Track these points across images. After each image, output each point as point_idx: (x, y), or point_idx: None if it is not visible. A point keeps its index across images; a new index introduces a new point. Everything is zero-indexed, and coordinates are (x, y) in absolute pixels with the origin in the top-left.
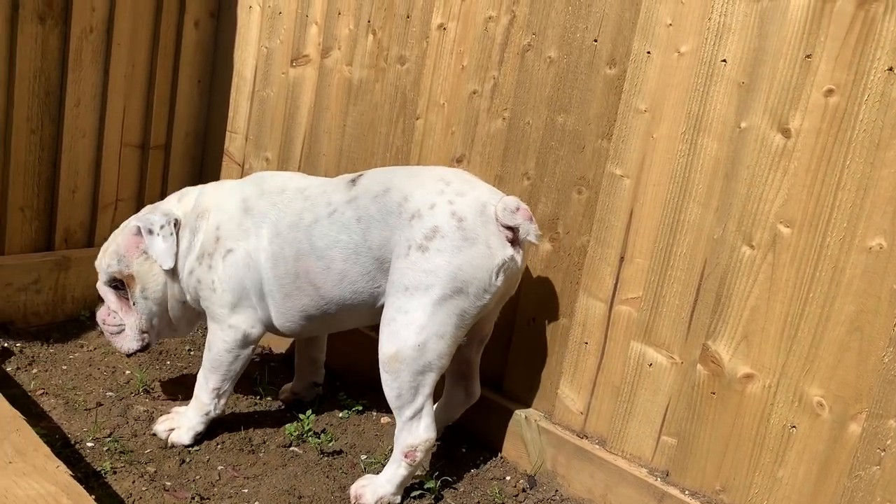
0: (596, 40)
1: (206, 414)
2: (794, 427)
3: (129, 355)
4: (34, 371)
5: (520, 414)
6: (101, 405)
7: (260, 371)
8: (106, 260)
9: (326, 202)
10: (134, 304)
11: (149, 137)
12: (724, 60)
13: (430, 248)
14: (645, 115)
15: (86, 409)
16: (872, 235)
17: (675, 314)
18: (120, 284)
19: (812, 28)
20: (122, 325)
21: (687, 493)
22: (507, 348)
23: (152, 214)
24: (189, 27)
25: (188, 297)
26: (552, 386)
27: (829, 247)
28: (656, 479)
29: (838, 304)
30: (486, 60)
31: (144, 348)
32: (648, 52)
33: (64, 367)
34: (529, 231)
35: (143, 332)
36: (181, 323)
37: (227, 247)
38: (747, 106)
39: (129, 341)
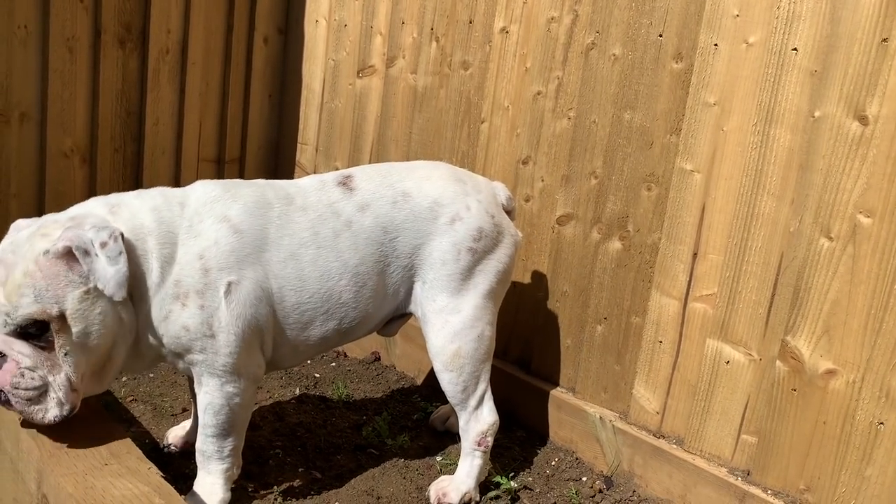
0: (661, 35)
1: (230, 477)
2: (881, 423)
3: (53, 423)
4: (123, 379)
5: (594, 414)
6: (185, 411)
7: (336, 376)
8: (13, 300)
9: (332, 212)
10: (65, 354)
11: (224, 152)
12: (795, 49)
13: (478, 249)
14: (714, 108)
15: (172, 415)
16: None
17: (751, 310)
18: (37, 330)
19: (889, 11)
20: (43, 386)
21: (769, 492)
22: (579, 350)
23: (82, 230)
24: (259, 44)
25: (162, 347)
26: (626, 386)
27: None
28: (737, 479)
29: None
30: (549, 61)
31: (72, 412)
32: (716, 45)
33: (151, 376)
34: (511, 209)
35: (74, 391)
36: (130, 369)
37: (225, 280)
38: (821, 94)
39: (54, 407)
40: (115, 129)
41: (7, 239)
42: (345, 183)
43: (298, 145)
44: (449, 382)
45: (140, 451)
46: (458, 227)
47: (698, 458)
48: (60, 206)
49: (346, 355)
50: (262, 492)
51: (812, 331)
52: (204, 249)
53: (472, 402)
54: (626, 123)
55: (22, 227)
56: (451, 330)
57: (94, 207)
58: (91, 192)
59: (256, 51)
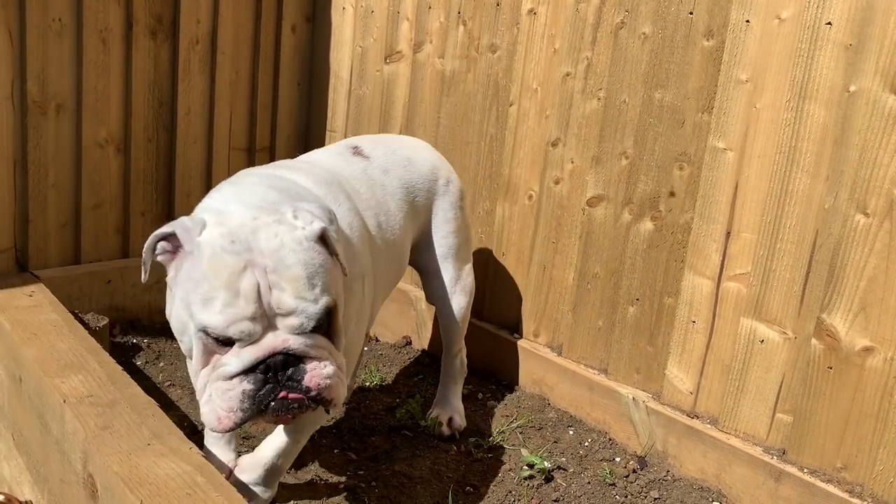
0: (691, 13)
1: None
2: None
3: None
4: (161, 364)
5: (628, 395)
6: None
7: (368, 360)
8: (306, 295)
9: (368, 177)
10: (338, 338)
11: (254, 141)
12: (829, 23)
13: (464, 206)
14: (746, 85)
15: None
16: None
17: (786, 288)
18: (324, 321)
19: None
20: (337, 376)
21: (806, 471)
22: (611, 331)
23: (318, 213)
24: (287, 32)
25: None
26: (659, 366)
27: None
28: (772, 458)
29: None
30: (578, 41)
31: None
32: (747, 21)
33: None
34: None
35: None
36: None
37: (362, 261)
38: (856, 68)
39: (343, 388)
40: (147, 119)
41: (217, 242)
42: (358, 152)
43: (327, 133)
44: (460, 331)
45: (181, 433)
46: (452, 188)
47: (733, 438)
48: (96, 197)
49: (377, 340)
50: (297, 472)
51: (848, 308)
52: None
53: (463, 339)
54: (656, 103)
55: (210, 224)
56: (464, 284)
57: (291, 185)
58: (126, 181)
59: (284, 39)
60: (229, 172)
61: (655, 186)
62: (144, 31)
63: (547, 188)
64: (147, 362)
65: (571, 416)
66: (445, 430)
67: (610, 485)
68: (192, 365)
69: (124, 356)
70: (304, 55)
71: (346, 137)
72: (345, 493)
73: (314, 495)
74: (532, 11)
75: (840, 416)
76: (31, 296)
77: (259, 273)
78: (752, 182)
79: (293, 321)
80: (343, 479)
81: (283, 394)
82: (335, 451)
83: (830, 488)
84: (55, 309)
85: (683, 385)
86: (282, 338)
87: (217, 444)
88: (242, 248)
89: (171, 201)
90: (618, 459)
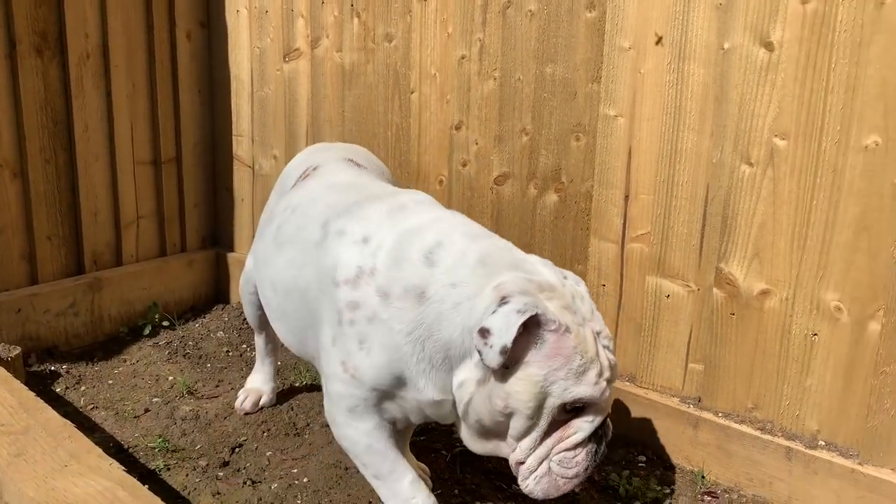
0: None
1: None
2: (815, 335)
3: None
4: (82, 389)
5: None
6: (148, 411)
7: (297, 362)
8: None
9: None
10: None
11: (159, 153)
12: None
13: None
14: (630, 52)
15: (135, 417)
16: (867, 134)
17: (685, 243)
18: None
19: None
20: None
21: (720, 415)
22: None
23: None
24: (182, 40)
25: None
26: None
27: (826, 152)
28: (689, 407)
29: (843, 207)
30: (469, 24)
31: None
32: None
33: (110, 382)
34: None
35: None
36: None
37: None
38: (728, 26)
39: None
40: (43, 140)
41: (567, 317)
42: (356, 164)
43: (234, 137)
44: None
45: (100, 450)
46: None
47: (651, 392)
48: None
49: None
50: (231, 479)
51: (743, 255)
52: None
53: None
54: (548, 77)
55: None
56: None
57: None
58: (27, 205)
59: (180, 47)
60: (137, 187)
61: (556, 159)
62: (29, 49)
63: (456, 171)
64: (67, 388)
65: None
66: None
67: None
68: (522, 443)
69: (42, 384)
70: (203, 61)
71: (252, 141)
72: (278, 492)
73: (249, 497)
74: None
75: (746, 358)
76: None
77: (598, 339)
78: (644, 145)
79: (613, 377)
80: (275, 482)
81: (604, 444)
82: (268, 453)
83: (744, 428)
84: None
85: None
86: (609, 393)
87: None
88: (580, 316)
89: (78, 222)
90: None
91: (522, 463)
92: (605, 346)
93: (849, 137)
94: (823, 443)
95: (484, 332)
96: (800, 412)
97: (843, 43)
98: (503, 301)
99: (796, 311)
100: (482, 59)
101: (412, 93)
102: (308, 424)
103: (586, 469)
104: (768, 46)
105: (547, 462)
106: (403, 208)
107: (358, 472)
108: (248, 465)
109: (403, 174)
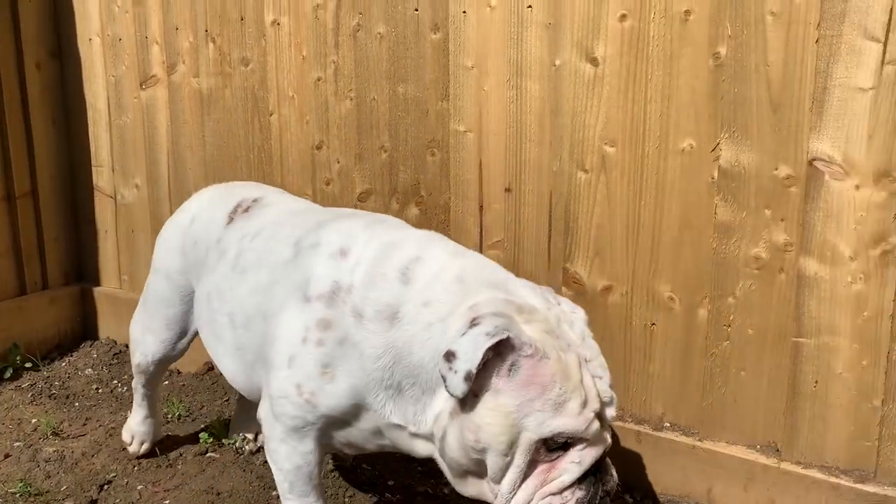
0: (417, 9)
1: None
2: (654, 324)
3: None
4: None
5: None
6: (9, 456)
7: (168, 393)
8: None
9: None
10: None
11: (12, 187)
12: (530, 6)
13: None
14: (473, 70)
15: None
16: (683, 138)
17: (534, 247)
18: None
19: None
20: None
21: None
22: None
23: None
24: (31, 70)
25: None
26: None
27: (650, 156)
28: None
29: (667, 206)
30: (323, 47)
31: None
32: (464, 12)
33: None
34: None
35: None
36: None
37: None
38: (557, 44)
39: None
40: None
41: (548, 341)
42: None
43: (93, 168)
44: None
45: None
46: None
47: None
48: None
49: (179, 372)
50: None
51: (586, 255)
52: None
53: None
54: (401, 96)
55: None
56: None
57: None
58: None
59: (30, 78)
60: None
61: (414, 174)
62: None
63: (320, 190)
64: None
65: None
66: (252, 445)
67: None
68: (502, 485)
69: None
70: (56, 91)
71: (112, 170)
72: None
73: None
74: (275, 22)
75: None
76: None
77: (584, 367)
78: (493, 157)
79: (612, 411)
80: None
81: (603, 493)
82: (139, 486)
83: None
84: None
85: None
86: (606, 433)
87: None
88: (564, 342)
89: None
90: None
91: None
92: (596, 376)
93: (668, 142)
94: (668, 424)
95: (449, 356)
96: (646, 397)
97: (657, 56)
98: (473, 323)
99: (635, 303)
100: (337, 81)
101: (271, 115)
102: (181, 455)
103: None
104: (593, 62)
105: None
106: (384, 221)
107: (230, 496)
108: (117, 501)
109: None
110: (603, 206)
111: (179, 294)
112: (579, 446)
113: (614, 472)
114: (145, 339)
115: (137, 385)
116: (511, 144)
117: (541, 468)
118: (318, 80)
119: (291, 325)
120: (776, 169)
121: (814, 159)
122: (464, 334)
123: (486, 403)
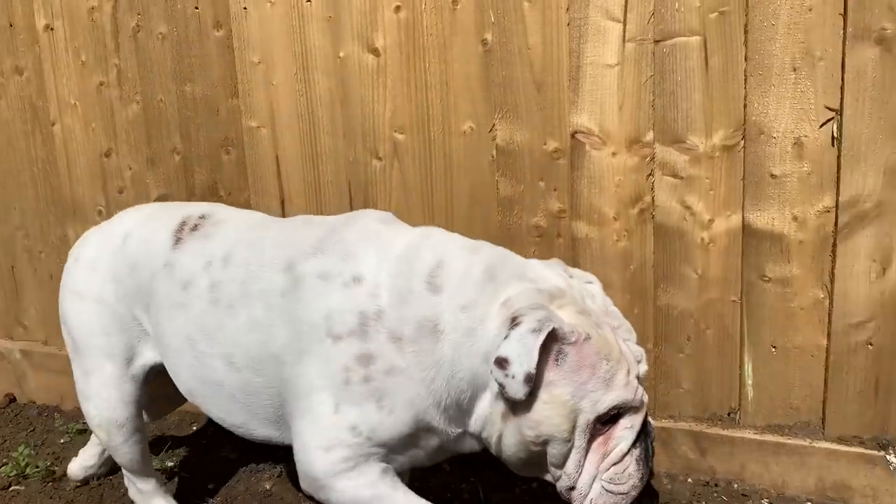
0: (197, 7)
1: None
2: None
3: None
4: None
5: None
6: None
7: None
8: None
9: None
10: None
11: None
12: (309, 1)
13: None
14: (260, 66)
15: None
16: (463, 121)
17: None
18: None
19: None
20: None
21: None
22: None
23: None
24: None
25: None
26: None
27: (436, 140)
28: None
29: (456, 186)
30: (102, 50)
31: None
32: (245, 8)
33: None
34: None
35: None
36: None
37: None
38: (339, 37)
39: None
40: None
41: (582, 321)
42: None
43: None
44: None
45: None
46: None
47: None
48: None
49: None
50: None
51: None
52: None
53: None
54: (189, 96)
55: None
56: None
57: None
58: None
59: None
60: None
61: (210, 174)
62: None
63: (113, 199)
64: None
65: None
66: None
67: None
68: (566, 468)
69: None
70: None
71: None
72: None
73: None
74: (48, 27)
75: None
76: None
77: (618, 335)
78: (289, 151)
79: (643, 368)
80: None
81: (650, 441)
82: None
83: None
84: None
85: None
86: (642, 390)
87: None
88: (595, 317)
89: None
90: None
91: (573, 489)
92: (627, 340)
93: (450, 126)
94: None
95: (502, 363)
96: None
97: (432, 45)
98: (515, 322)
99: None
100: (121, 84)
101: (54, 125)
102: None
103: (641, 478)
104: (375, 52)
105: (598, 482)
106: (378, 234)
107: None
108: None
109: (58, 210)
110: (399, 191)
111: (119, 323)
112: (628, 412)
113: (651, 422)
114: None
115: (141, 486)
116: (306, 137)
117: (597, 442)
118: (101, 84)
119: (326, 371)
120: (545, 144)
121: (575, 132)
122: (507, 337)
123: (542, 398)
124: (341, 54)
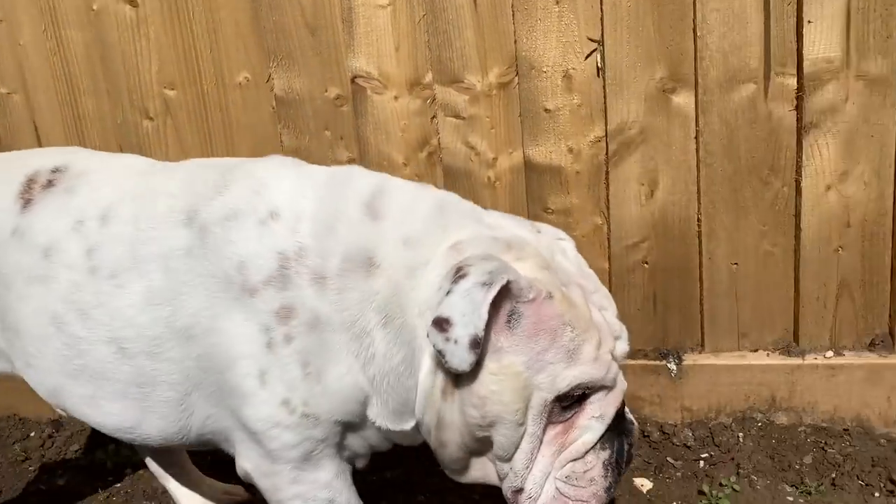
0: None
1: None
2: None
3: None
4: None
5: None
6: None
7: None
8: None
9: None
10: None
11: None
12: None
13: None
14: (3, 24)
15: None
16: (238, 72)
17: None
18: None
19: None
20: None
21: None
22: None
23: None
24: None
25: None
26: None
27: (210, 94)
28: None
29: (237, 142)
30: None
31: None
32: None
33: None
34: None
35: None
36: None
37: None
38: None
39: None
40: None
41: (545, 278)
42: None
43: None
44: None
45: None
46: None
47: None
48: None
49: None
50: None
51: None
52: None
53: None
54: None
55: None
56: None
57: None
58: None
59: None
60: None
61: None
62: None
63: None
64: None
65: None
66: None
67: None
68: (514, 462)
69: None
70: None
71: None
72: None
73: None
74: None
75: None
76: None
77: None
78: (47, 117)
79: (623, 346)
80: None
81: (627, 445)
82: None
83: None
84: None
85: None
86: (621, 374)
87: None
88: (564, 275)
89: None
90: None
91: (520, 491)
92: (602, 308)
93: (224, 78)
94: None
95: (442, 324)
96: None
97: None
98: (459, 274)
99: None
100: None
101: None
102: None
103: (607, 489)
104: (132, 3)
105: (551, 481)
106: (295, 163)
107: None
108: None
109: None
110: (176, 151)
111: None
112: (598, 395)
113: (633, 416)
114: None
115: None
116: (65, 100)
117: (556, 431)
118: None
119: (243, 334)
120: (326, 91)
121: (355, 77)
122: (449, 291)
123: (489, 368)
124: (95, 6)
